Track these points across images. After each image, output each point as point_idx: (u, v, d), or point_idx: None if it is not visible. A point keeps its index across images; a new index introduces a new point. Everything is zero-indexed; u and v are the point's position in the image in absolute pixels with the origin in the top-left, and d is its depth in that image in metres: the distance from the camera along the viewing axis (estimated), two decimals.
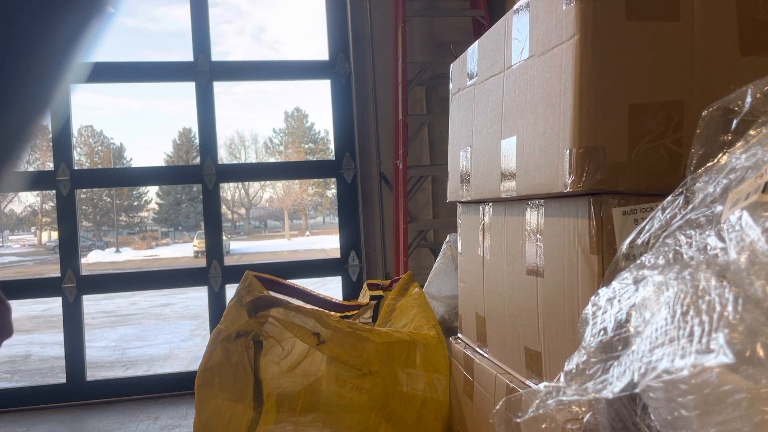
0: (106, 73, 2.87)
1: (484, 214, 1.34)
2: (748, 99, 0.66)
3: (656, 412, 0.55)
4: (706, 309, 0.49)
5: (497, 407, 0.75)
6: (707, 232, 0.59)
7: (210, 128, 2.99)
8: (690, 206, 0.65)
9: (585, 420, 0.71)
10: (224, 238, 3.28)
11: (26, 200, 34.18)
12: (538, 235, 1.05)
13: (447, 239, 2.18)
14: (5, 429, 2.50)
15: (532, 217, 1.07)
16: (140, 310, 8.77)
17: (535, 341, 1.05)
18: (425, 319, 1.65)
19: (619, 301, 0.62)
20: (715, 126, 0.70)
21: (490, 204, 1.30)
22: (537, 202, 1.05)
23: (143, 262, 25.01)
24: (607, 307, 0.63)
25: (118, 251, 29.85)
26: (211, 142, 3.01)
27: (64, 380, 2.90)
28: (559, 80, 0.93)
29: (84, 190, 3.12)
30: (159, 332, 6.55)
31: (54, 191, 2.87)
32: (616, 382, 0.53)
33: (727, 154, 0.66)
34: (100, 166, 30.63)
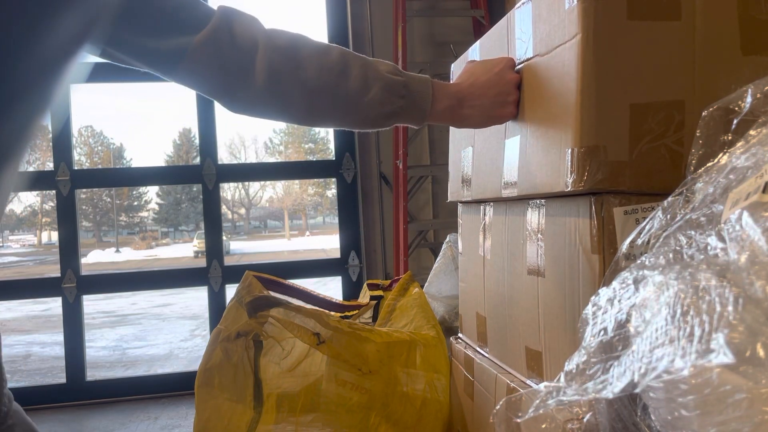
0: (106, 73, 2.87)
1: (484, 214, 1.34)
2: (749, 99, 0.66)
3: (656, 412, 0.55)
4: (706, 309, 0.48)
5: (497, 407, 0.75)
6: (707, 232, 0.59)
7: (210, 128, 2.99)
8: (690, 206, 0.65)
9: (585, 420, 0.71)
10: (224, 238, 3.28)
11: (26, 200, 34.20)
12: (539, 235, 1.05)
13: (447, 239, 2.18)
14: None
15: (533, 216, 1.07)
16: (140, 310, 8.76)
17: (536, 341, 1.05)
18: (425, 319, 1.65)
19: (619, 301, 0.62)
20: (715, 126, 0.70)
21: (491, 204, 1.30)
22: (538, 201, 1.05)
23: (143, 262, 25.00)
24: (607, 307, 0.63)
25: (118, 251, 29.86)
26: (211, 142, 3.01)
27: (64, 380, 2.90)
28: (562, 80, 0.93)
29: (84, 190, 3.12)
30: (159, 332, 6.55)
31: (54, 191, 2.87)
32: (616, 382, 0.53)
33: (727, 154, 0.66)
34: (100, 166, 30.61)
